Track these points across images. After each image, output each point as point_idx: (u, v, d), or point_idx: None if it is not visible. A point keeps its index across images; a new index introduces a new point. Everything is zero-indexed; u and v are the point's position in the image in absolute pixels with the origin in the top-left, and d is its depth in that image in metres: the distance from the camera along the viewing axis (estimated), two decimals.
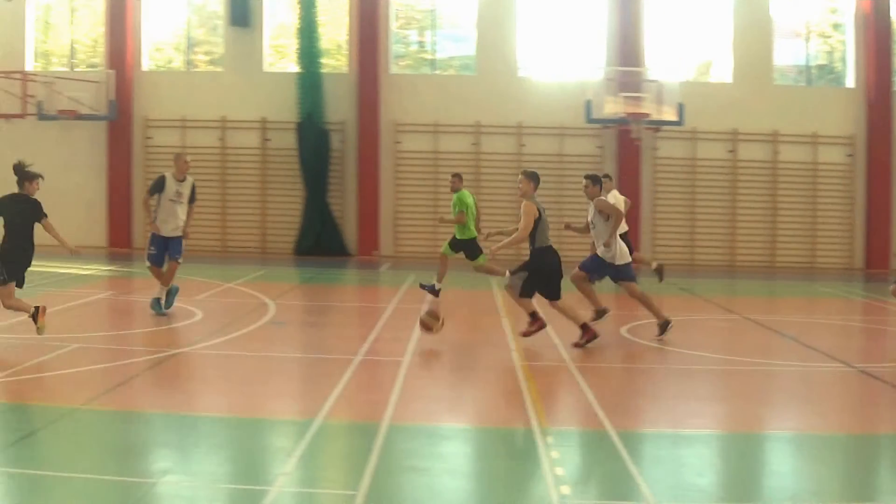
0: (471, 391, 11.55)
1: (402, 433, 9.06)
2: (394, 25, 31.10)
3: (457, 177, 19.35)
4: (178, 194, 16.37)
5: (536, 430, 9.09)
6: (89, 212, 31.15)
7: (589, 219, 14.97)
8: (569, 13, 30.54)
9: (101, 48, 31.83)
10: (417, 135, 30.34)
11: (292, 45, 30.66)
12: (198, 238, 30.53)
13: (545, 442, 8.66)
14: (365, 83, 30.21)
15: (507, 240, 14.15)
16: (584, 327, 13.86)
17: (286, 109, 30.12)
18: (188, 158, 16.86)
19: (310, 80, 30.02)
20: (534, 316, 13.83)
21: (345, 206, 30.44)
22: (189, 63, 31.98)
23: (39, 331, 12.81)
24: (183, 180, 16.41)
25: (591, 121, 27.86)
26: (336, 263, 27.73)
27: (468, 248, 18.58)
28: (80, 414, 9.42)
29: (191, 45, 31.92)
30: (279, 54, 31.87)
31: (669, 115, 27.54)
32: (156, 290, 16.18)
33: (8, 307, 13.04)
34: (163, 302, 16.05)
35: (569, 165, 29.41)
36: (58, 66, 32.39)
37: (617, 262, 14.76)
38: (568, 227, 15.70)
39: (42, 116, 29.91)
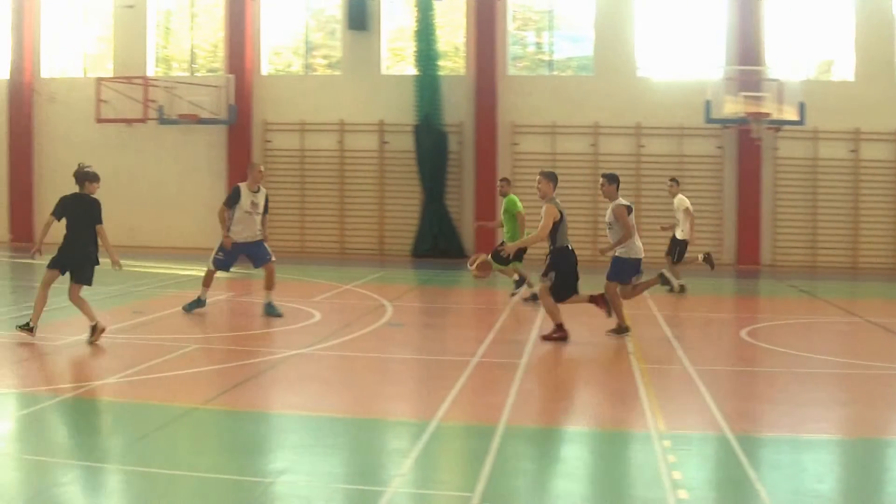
0: (587, 393, 11.39)
1: (518, 435, 8.95)
2: (511, 27, 30.97)
3: (505, 181, 19.81)
4: (254, 205, 16.36)
5: (653, 433, 8.89)
6: (209, 214, 31.35)
7: (607, 220, 14.91)
8: (688, 12, 30.07)
9: (221, 53, 32.30)
10: (535, 136, 30.16)
11: (410, 48, 30.75)
12: (316, 240, 30.91)
13: (662, 445, 8.46)
14: (482, 85, 30.14)
15: (524, 239, 14.14)
16: (560, 327, 14.05)
17: (404, 112, 30.19)
18: (262, 168, 16.83)
19: (427, 82, 30.04)
20: (560, 327, 14.04)
21: (462, 208, 30.38)
22: (307, 67, 32.27)
23: (91, 341, 13.14)
24: (257, 191, 16.38)
25: (710, 121, 27.44)
26: (453, 265, 27.68)
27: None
28: (199, 413, 9.50)
29: (309, 49, 32.20)
30: (397, 57, 31.99)
31: (790, 114, 27.01)
32: (266, 295, 16.31)
33: (72, 302, 13.46)
34: (273, 305, 16.26)
35: (689, 166, 28.99)
36: (178, 72, 33.00)
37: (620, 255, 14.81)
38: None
39: (163, 121, 30.52)
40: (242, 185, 16.42)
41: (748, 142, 28.28)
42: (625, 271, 14.80)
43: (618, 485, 7.74)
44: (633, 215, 14.50)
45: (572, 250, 14.32)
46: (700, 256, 20.56)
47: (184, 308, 16.16)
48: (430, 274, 25.98)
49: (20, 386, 10.90)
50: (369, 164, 30.95)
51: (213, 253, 16.47)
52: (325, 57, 32.44)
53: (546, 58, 31.56)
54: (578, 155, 29.77)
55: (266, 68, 32.09)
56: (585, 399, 11.06)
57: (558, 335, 14.02)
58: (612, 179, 14.94)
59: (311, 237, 31.21)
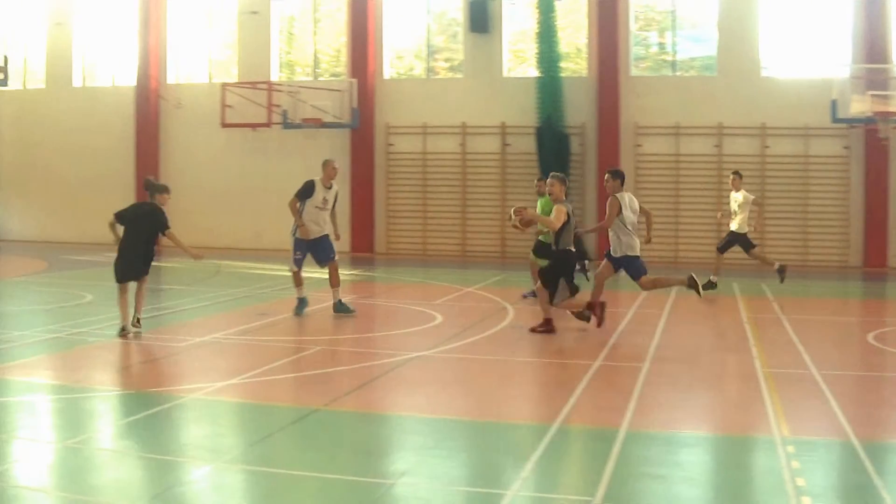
0: (710, 397, 11.18)
1: (640, 440, 8.82)
2: (633, 27, 30.64)
3: (542, 181, 19.26)
4: (325, 201, 16.60)
5: (777, 439, 8.69)
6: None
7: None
8: (813, 9, 29.39)
9: (344, 57, 32.61)
10: (658, 137, 29.79)
11: (531, 49, 30.61)
12: (438, 243, 31.00)
13: (786, 451, 8.26)
14: (604, 86, 29.89)
15: (540, 214, 16.06)
16: (548, 321, 14.72)
17: (525, 114, 30.07)
18: (337, 165, 17.06)
19: (549, 84, 29.87)
20: (549, 322, 14.71)
21: (584, 209, 30.15)
22: (429, 70, 32.39)
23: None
24: (330, 187, 16.61)
25: (837, 120, 26.78)
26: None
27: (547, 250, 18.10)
28: (321, 414, 9.56)
29: (431, 52, 32.32)
30: (518, 59, 31.91)
31: None
32: (334, 293, 16.56)
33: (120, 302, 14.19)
34: (343, 301, 16.62)
35: (814, 167, 28.36)
36: (302, 76, 33.39)
37: (615, 254, 15.68)
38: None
39: (287, 125, 30.91)
40: (317, 180, 16.63)
41: (875, 142, 27.54)
42: (641, 265, 15.65)
43: (740, 491, 7.57)
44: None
45: (573, 253, 15.21)
46: (776, 265, 20.77)
47: (295, 313, 16.37)
48: None
49: (146, 386, 11.11)
50: (491, 167, 30.92)
51: (292, 255, 16.77)
52: (446, 60, 32.53)
53: (669, 58, 31.19)
54: (702, 156, 29.28)
55: (388, 72, 32.29)
56: (708, 403, 10.87)
57: (545, 329, 14.66)
58: (616, 175, 15.74)
59: (433, 240, 31.30)
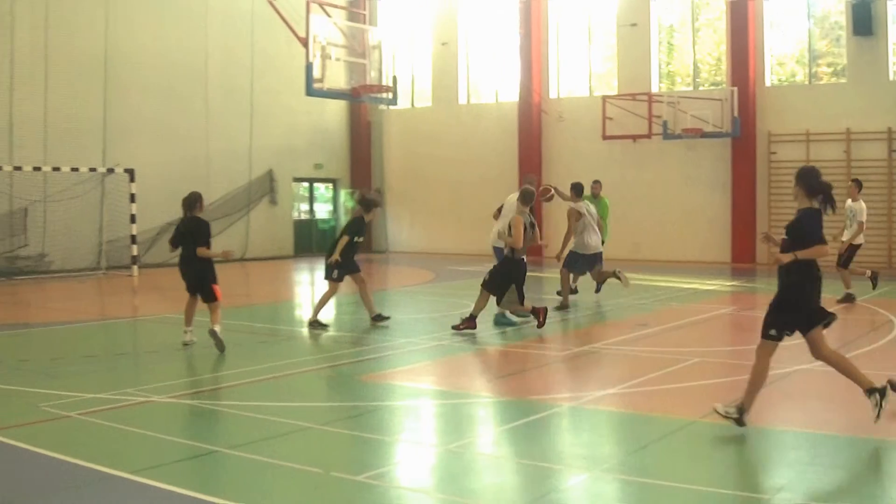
0: None
1: None
2: None
3: (597, 183, 21.95)
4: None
5: None
6: (712, 227, 31.64)
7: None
8: None
9: (724, 66, 32.24)
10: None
11: None
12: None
13: None
14: None
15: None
16: (472, 317, 15.77)
17: None
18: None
19: None
20: (473, 318, 15.76)
21: None
22: (812, 76, 31.42)
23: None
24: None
25: None
26: None
27: None
28: (697, 427, 9.54)
29: (813, 57, 31.34)
30: None
31: None
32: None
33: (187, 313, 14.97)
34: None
35: None
36: (681, 87, 33.27)
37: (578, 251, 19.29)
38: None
39: (667, 136, 30.94)
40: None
41: None
42: (577, 263, 19.38)
43: None
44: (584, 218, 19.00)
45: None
46: (868, 272, 20.39)
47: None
48: None
49: (525, 393, 11.48)
50: (878, 174, 29.60)
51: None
52: (829, 65, 31.42)
53: None
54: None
55: (769, 79, 31.62)
56: None
57: (466, 326, 15.73)
58: (574, 188, 19.43)
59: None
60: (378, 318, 16.66)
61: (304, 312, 19.24)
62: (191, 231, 14.57)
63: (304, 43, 19.94)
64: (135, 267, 28.34)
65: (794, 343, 14.60)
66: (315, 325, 16.39)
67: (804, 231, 9.13)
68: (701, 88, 32.72)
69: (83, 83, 29.68)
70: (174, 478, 7.80)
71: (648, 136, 31.81)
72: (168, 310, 18.12)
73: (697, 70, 33.34)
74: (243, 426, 9.80)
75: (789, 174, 30.15)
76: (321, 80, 20.39)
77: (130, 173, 28.32)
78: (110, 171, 28.87)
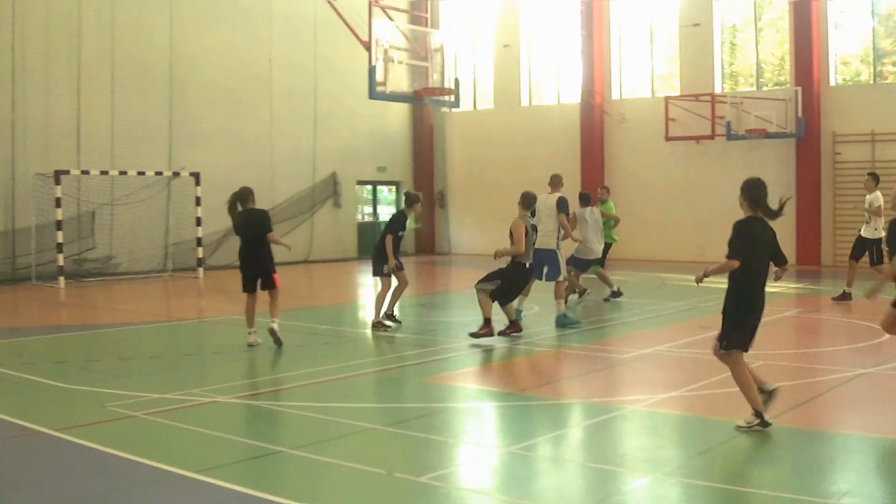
0: None
1: None
2: None
3: (605, 189, 22.91)
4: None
5: None
6: (776, 228, 31.07)
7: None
8: None
9: (787, 66, 31.95)
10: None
11: None
12: None
13: None
14: None
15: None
16: (487, 321, 15.34)
17: None
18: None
19: None
20: (488, 322, 15.29)
21: None
22: (877, 75, 31.05)
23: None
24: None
25: None
26: None
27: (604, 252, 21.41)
28: (759, 430, 9.48)
29: (878, 56, 30.96)
30: None
31: None
32: None
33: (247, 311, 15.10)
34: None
35: None
36: (745, 87, 33.04)
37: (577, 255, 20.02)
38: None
39: (730, 136, 30.71)
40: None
41: None
42: (580, 265, 20.10)
43: None
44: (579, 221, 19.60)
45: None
46: None
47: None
48: None
49: (588, 396, 11.49)
50: None
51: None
52: (894, 64, 31.05)
53: None
54: None
55: (833, 78, 31.29)
56: None
57: (485, 331, 15.28)
58: (581, 197, 20.44)
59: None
60: (387, 319, 17.01)
61: (367, 314, 19.34)
62: (256, 220, 14.92)
63: (367, 46, 20.04)
64: (200, 269, 28.71)
65: (861, 346, 14.54)
66: (378, 326, 16.52)
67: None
68: (764, 89, 32.46)
69: (149, 88, 30.08)
70: (238, 477, 7.91)
71: (711, 136, 31.58)
72: (233, 311, 18.30)
73: (761, 70, 33.07)
74: (306, 427, 9.91)
75: (854, 175, 30.12)
76: (384, 84, 20.48)
77: (196, 177, 28.68)
78: (176, 174, 29.24)
